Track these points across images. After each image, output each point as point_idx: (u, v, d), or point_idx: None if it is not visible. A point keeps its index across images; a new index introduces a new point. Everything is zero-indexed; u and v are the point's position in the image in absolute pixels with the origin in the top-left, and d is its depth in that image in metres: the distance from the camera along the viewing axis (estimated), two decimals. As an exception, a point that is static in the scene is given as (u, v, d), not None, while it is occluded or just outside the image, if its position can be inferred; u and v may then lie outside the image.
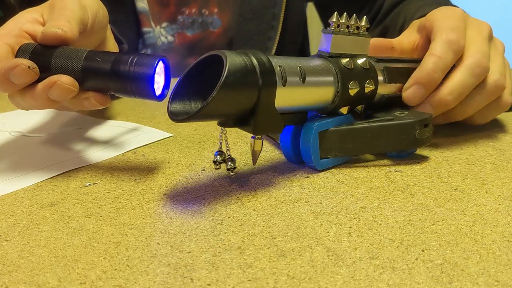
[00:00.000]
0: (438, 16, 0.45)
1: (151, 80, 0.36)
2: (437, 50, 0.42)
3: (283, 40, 0.79)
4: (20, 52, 0.39)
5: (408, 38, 0.50)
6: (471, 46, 0.43)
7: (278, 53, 0.79)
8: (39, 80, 0.38)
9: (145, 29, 0.81)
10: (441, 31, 0.43)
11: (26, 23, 0.42)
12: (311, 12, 0.94)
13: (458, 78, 0.42)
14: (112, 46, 0.50)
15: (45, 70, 0.38)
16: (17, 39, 0.41)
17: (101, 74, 0.37)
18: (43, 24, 0.43)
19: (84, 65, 0.37)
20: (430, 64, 0.41)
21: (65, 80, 0.37)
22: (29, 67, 0.37)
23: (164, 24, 0.80)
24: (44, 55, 0.38)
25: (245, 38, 0.79)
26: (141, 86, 0.36)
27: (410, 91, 0.42)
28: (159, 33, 0.80)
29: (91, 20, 0.44)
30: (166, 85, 0.38)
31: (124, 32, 0.78)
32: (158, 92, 0.37)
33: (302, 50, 0.90)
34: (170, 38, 0.80)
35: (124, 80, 0.36)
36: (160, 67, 0.37)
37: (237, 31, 0.79)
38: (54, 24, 0.39)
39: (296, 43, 0.86)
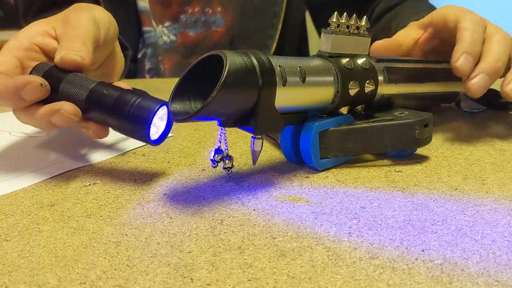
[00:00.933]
0: (445, 10, 0.48)
1: (147, 125, 0.35)
2: (468, 25, 0.44)
3: (283, 39, 0.80)
4: (34, 71, 0.39)
5: (409, 35, 0.51)
6: (488, 28, 0.45)
7: (278, 51, 0.80)
8: (46, 101, 0.38)
9: (146, 28, 0.81)
10: (461, 15, 0.45)
11: (37, 36, 0.42)
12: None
13: (498, 47, 0.44)
14: (119, 58, 0.50)
15: (53, 92, 0.38)
16: (26, 52, 0.41)
17: (102, 108, 0.37)
18: (55, 38, 0.42)
19: (89, 96, 0.37)
20: (468, 36, 0.43)
21: (67, 109, 0.37)
22: (41, 84, 0.37)
23: (166, 24, 0.80)
24: (56, 77, 0.39)
25: (246, 36, 0.80)
26: (138, 129, 0.36)
27: (461, 60, 0.43)
28: (161, 33, 0.80)
29: (103, 36, 0.44)
30: (166, 131, 0.38)
31: (125, 32, 0.78)
32: (155, 136, 0.37)
33: (301, 50, 0.91)
34: (172, 37, 0.81)
35: (122, 119, 0.36)
36: (164, 112, 0.37)
37: (239, 29, 0.80)
38: (71, 46, 0.39)
39: (295, 42, 0.86)
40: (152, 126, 0.36)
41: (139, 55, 0.83)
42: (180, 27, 0.80)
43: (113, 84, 0.39)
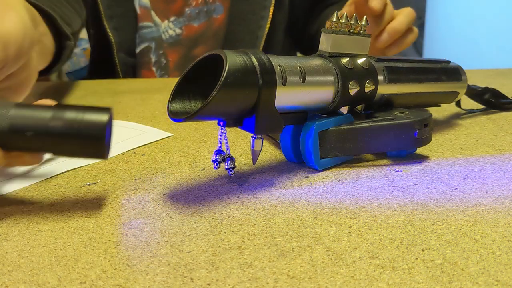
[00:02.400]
0: None
1: (104, 139, 0.31)
2: None
3: (275, 19, 0.84)
4: None
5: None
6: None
7: (271, 31, 0.85)
8: None
9: (145, 23, 0.82)
10: None
11: None
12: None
13: (403, 17, 0.65)
14: (34, 66, 0.44)
15: None
16: None
17: (36, 134, 0.31)
18: None
19: (12, 125, 0.31)
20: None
21: None
22: None
23: (172, 18, 0.82)
24: None
25: (240, 18, 0.84)
26: (91, 146, 0.31)
27: (374, 2, 0.62)
28: (167, 27, 0.82)
29: (13, 55, 0.39)
30: (108, 139, 0.33)
31: (121, 27, 0.81)
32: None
33: (292, 30, 0.95)
34: (178, 31, 0.83)
35: (67, 140, 0.31)
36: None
37: (232, 12, 0.83)
38: None
39: (285, 23, 0.91)
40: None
41: (138, 50, 0.84)
42: (185, 20, 0.83)
43: (34, 104, 0.34)
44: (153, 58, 0.84)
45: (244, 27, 0.84)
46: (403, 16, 0.66)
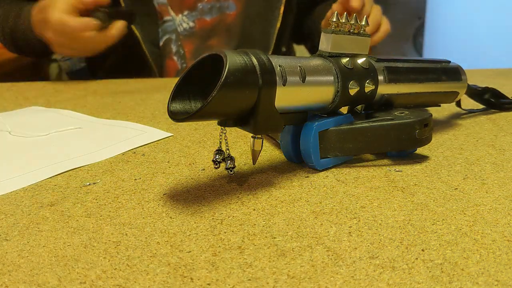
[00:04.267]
0: None
1: None
2: None
3: (285, 20, 0.93)
4: None
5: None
6: None
7: (281, 30, 0.93)
8: None
9: (166, 17, 0.91)
10: None
11: None
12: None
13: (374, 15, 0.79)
14: None
15: None
16: None
17: None
18: None
19: None
20: None
21: None
22: None
23: (185, 12, 0.91)
24: None
25: (254, 15, 0.93)
26: None
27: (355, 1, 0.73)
28: (181, 21, 0.91)
29: None
30: None
31: (143, 23, 0.88)
32: None
33: (301, 32, 1.04)
34: (191, 24, 0.92)
35: None
36: None
37: (248, 11, 0.93)
38: None
39: (293, 22, 0.99)
40: None
41: (161, 42, 0.92)
42: (197, 14, 0.91)
43: None
44: (173, 48, 0.93)
45: (258, 24, 0.93)
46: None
